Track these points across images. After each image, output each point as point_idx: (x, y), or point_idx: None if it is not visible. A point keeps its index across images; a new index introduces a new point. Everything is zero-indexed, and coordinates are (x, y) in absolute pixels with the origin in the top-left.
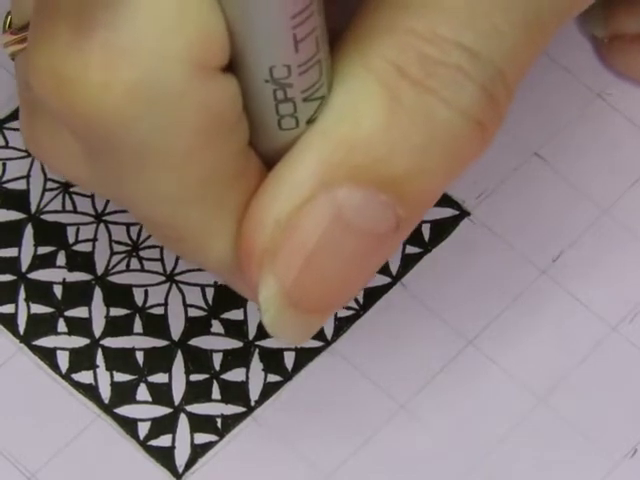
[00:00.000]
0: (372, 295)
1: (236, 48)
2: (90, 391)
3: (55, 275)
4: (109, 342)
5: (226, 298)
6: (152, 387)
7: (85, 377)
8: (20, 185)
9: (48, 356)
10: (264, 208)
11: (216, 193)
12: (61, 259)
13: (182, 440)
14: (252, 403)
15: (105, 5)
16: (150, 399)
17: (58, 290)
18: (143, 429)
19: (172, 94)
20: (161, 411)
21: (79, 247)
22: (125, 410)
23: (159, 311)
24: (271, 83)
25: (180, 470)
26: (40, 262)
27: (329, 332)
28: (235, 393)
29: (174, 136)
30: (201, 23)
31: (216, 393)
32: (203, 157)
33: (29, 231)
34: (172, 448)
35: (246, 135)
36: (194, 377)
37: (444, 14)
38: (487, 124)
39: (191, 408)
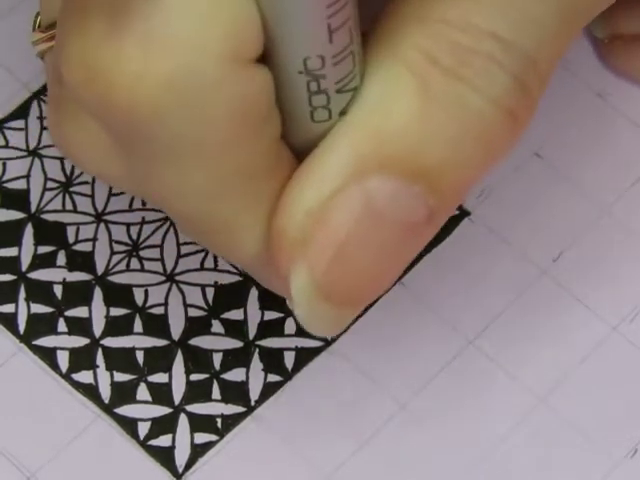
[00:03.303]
0: None
1: (270, 39)
2: (90, 391)
3: (55, 275)
4: (109, 342)
5: (226, 298)
6: (152, 387)
7: (85, 377)
8: (20, 185)
9: (48, 356)
10: (295, 199)
11: (248, 185)
12: (61, 259)
13: (182, 440)
14: (252, 403)
15: None
16: (150, 399)
17: (58, 290)
18: (143, 429)
19: (206, 86)
20: (161, 411)
21: (79, 247)
22: (125, 410)
23: (159, 311)
24: (304, 74)
25: (180, 470)
26: (40, 262)
27: None
28: (235, 393)
29: (207, 128)
30: (235, 14)
31: (216, 393)
32: (236, 149)
33: (29, 231)
34: (172, 448)
35: (278, 127)
36: (194, 377)
37: (477, 3)
38: (519, 114)
39: (191, 408)
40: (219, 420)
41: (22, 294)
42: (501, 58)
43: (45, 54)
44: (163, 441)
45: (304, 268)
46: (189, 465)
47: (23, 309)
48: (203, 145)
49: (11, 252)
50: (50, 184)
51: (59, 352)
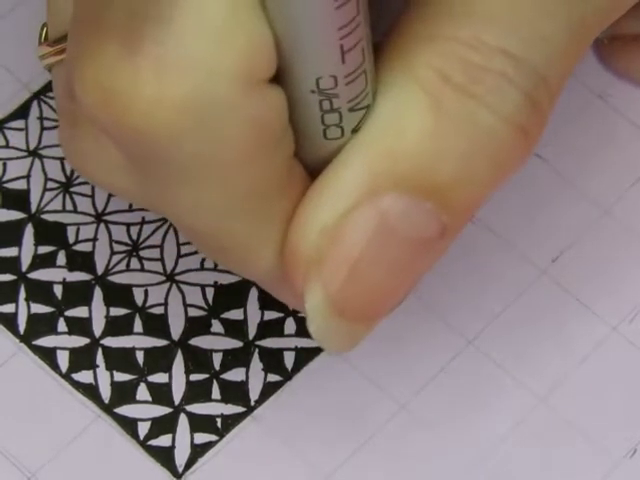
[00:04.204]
0: None
1: (282, 59)
2: (90, 391)
3: (55, 275)
4: (109, 342)
5: (226, 298)
6: (152, 387)
7: (85, 377)
8: (20, 185)
9: (48, 356)
10: (309, 217)
11: (262, 204)
12: (61, 259)
13: (182, 440)
14: (252, 403)
15: (154, 19)
16: (150, 399)
17: (58, 290)
18: (143, 429)
19: (222, 108)
20: (161, 411)
21: (79, 247)
22: (125, 410)
23: (159, 311)
24: (317, 94)
25: (180, 470)
26: (40, 262)
27: None
28: (235, 393)
29: (223, 150)
30: (249, 36)
31: (216, 393)
32: (251, 169)
33: (29, 231)
34: (172, 448)
35: (292, 145)
36: (194, 377)
37: (487, 21)
38: (530, 130)
39: (191, 408)
40: (219, 420)
41: (22, 294)
42: (512, 75)
43: (53, 67)
44: (163, 441)
45: (318, 286)
46: (189, 465)
47: (23, 309)
48: (219, 166)
49: (11, 252)
50: (50, 184)
51: (59, 352)
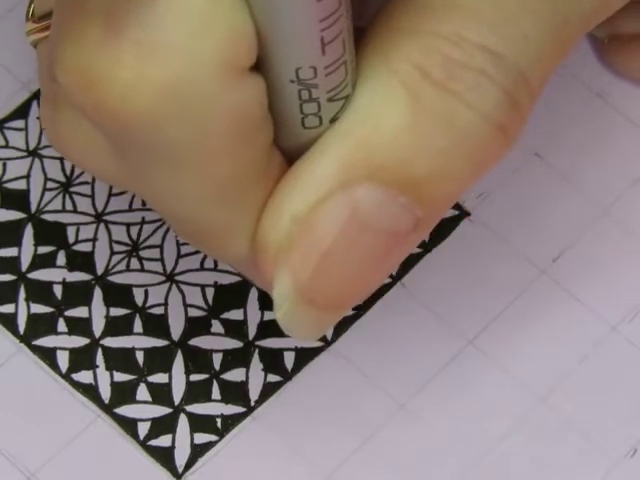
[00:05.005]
0: (372, 295)
1: (263, 48)
2: (90, 391)
3: (55, 275)
4: (109, 342)
5: (226, 298)
6: (152, 387)
7: (85, 377)
8: (20, 185)
9: (48, 356)
10: (281, 205)
11: (240, 190)
12: (61, 259)
13: (182, 440)
14: (252, 403)
15: (136, 4)
16: (150, 399)
17: (58, 290)
18: (143, 429)
19: (202, 94)
20: (161, 411)
21: (79, 247)
22: (125, 410)
23: (159, 311)
24: (296, 84)
25: (180, 470)
26: (40, 262)
27: (329, 332)
28: (235, 393)
29: (203, 136)
30: (230, 24)
31: (216, 393)
32: (230, 157)
33: (29, 231)
34: (172, 448)
35: (271, 134)
36: (194, 377)
37: (469, 17)
38: (509, 128)
39: (191, 408)
40: (219, 420)
41: (22, 294)
42: (492, 72)
43: (38, 43)
44: (163, 441)
45: (287, 273)
46: (189, 465)
47: (23, 309)
48: (197, 153)
49: (11, 252)
50: (50, 184)
51: (59, 352)
